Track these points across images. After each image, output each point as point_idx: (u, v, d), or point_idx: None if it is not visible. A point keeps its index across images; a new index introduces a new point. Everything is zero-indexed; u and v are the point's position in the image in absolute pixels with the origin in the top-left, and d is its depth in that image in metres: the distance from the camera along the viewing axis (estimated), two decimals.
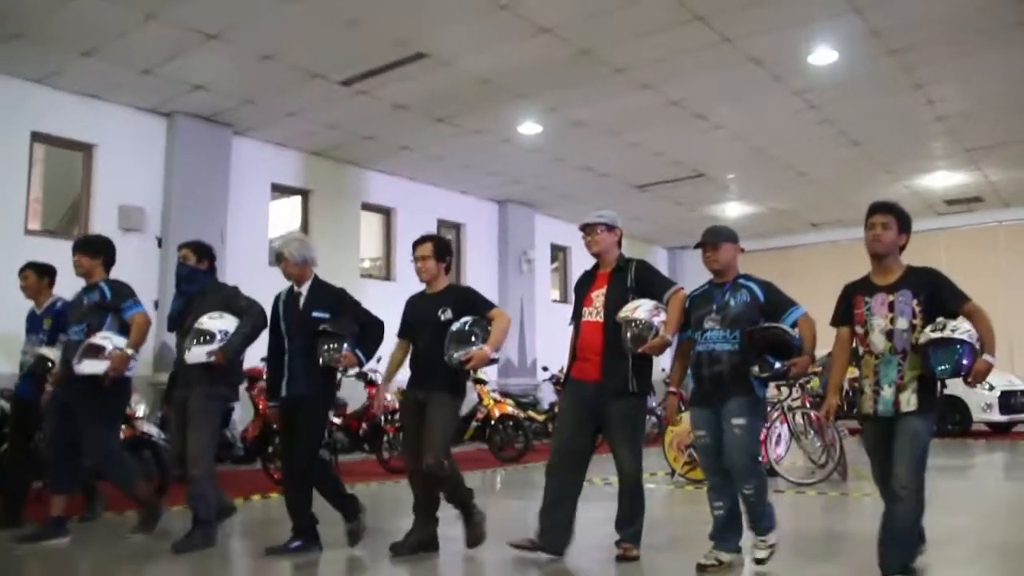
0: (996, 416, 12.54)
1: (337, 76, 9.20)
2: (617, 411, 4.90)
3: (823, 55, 8.79)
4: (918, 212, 15.22)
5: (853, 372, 13.03)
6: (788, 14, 7.85)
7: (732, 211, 15.84)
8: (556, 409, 10.68)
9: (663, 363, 17.31)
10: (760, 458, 4.80)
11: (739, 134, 11.39)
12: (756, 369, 4.56)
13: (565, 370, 5.24)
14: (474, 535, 5.15)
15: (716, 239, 4.81)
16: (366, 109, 10.17)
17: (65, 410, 5.66)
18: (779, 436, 8.60)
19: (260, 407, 8.68)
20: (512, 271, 14.91)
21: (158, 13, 7.68)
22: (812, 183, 13.90)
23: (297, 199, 12.24)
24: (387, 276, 13.21)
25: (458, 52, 8.61)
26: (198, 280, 5.62)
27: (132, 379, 5.86)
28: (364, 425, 9.45)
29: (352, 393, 10.17)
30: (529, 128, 11.03)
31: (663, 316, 4.75)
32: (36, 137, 9.55)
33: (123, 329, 5.71)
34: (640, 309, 4.75)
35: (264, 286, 5.41)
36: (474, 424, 10.81)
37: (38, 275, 6.40)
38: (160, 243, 10.32)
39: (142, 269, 9.84)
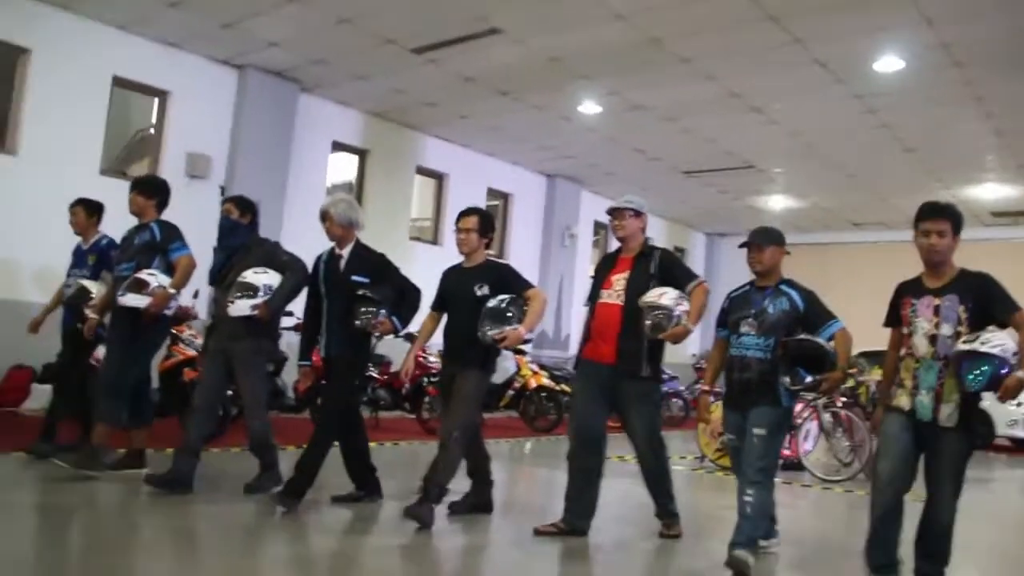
0: (1021, 432, 12.67)
1: (410, 44, 9.42)
2: (632, 392, 4.95)
3: (889, 63, 8.91)
4: (965, 222, 15.33)
5: (875, 375, 13.16)
6: (860, 21, 7.97)
7: (775, 204, 15.97)
8: None
9: (690, 347, 17.61)
10: (774, 471, 4.68)
11: (794, 130, 11.52)
12: (787, 380, 4.50)
13: (578, 350, 5.28)
14: (418, 514, 4.89)
15: (762, 240, 4.70)
16: (434, 77, 10.41)
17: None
18: (808, 432, 8.85)
19: (313, 359, 9.00)
20: (555, 244, 15.14)
21: None
22: (859, 183, 13.99)
23: (355, 158, 12.51)
24: (434, 240, 13.50)
25: (532, 31, 8.81)
26: (240, 234, 5.65)
27: (169, 320, 6.00)
28: (407, 384, 9.77)
29: (399, 352, 10.52)
30: (589, 108, 11.22)
31: (685, 306, 4.77)
32: (117, 81, 9.86)
33: (169, 269, 5.77)
34: (665, 296, 4.77)
35: (320, 241, 5.44)
36: (510, 393, 11.13)
37: (87, 212, 6.50)
38: (223, 192, 10.63)
39: (205, 216, 10.17)
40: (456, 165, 13.63)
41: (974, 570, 5.07)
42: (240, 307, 5.28)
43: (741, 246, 4.81)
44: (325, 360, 5.34)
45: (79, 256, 6.51)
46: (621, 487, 6.61)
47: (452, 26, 8.83)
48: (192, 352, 7.56)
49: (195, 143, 10.44)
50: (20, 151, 8.98)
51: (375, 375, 10.01)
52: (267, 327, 5.50)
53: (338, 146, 12.13)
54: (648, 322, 4.75)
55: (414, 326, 5.62)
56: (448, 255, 5.95)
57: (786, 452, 8.83)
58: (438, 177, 13.61)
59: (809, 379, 4.44)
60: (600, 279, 5.16)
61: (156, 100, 10.39)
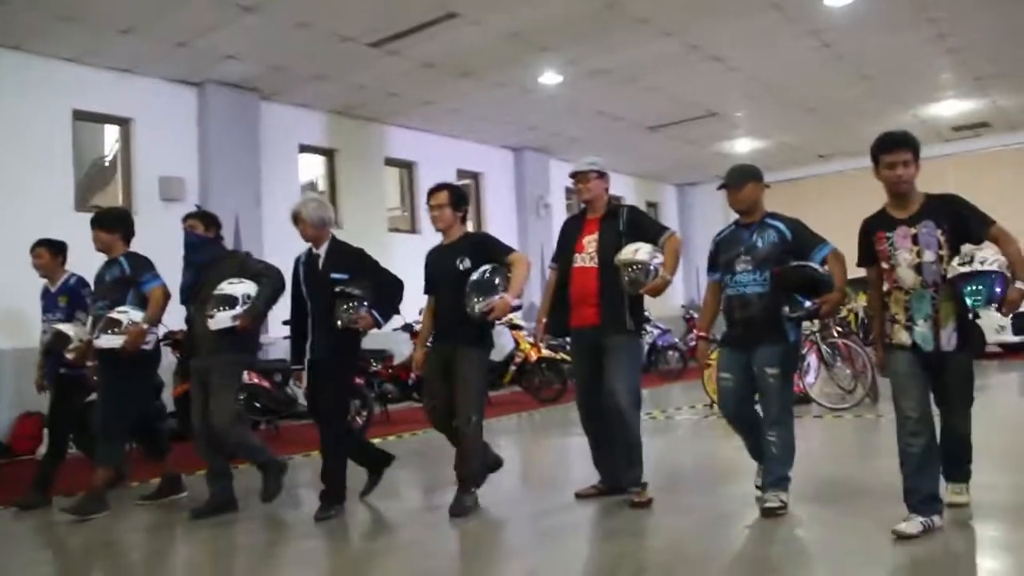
0: (1009, 337, 13.09)
1: (368, 38, 9.42)
2: (613, 344, 4.92)
3: None
4: (925, 139, 15.37)
5: (861, 301, 13.49)
6: None
7: (741, 147, 16.11)
8: None
9: (677, 298, 17.77)
10: (792, 406, 4.74)
11: (753, 74, 11.65)
12: (787, 310, 4.51)
13: (540, 315, 5.30)
14: (460, 508, 4.94)
15: (739, 180, 4.71)
16: (394, 68, 10.41)
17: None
18: (808, 365, 9.08)
19: None
20: (531, 216, 15.23)
21: None
22: (821, 117, 14.16)
23: (322, 159, 12.51)
24: (412, 229, 13.54)
25: (489, 10, 8.84)
26: (208, 249, 5.59)
27: (159, 351, 5.92)
28: (413, 375, 9.87)
29: (399, 345, 10.65)
30: (550, 78, 11.27)
31: (660, 259, 4.79)
32: (77, 115, 9.78)
33: (143, 303, 5.68)
34: (640, 252, 4.77)
35: (299, 246, 5.42)
36: (512, 368, 11.28)
37: (52, 252, 6.34)
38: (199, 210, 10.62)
39: (179, 240, 10.16)
40: (423, 152, 13.64)
41: (991, 471, 5.16)
42: (220, 319, 5.20)
43: (719, 188, 4.82)
44: (312, 363, 5.25)
45: (49, 299, 6.35)
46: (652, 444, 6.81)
47: (409, 16, 8.85)
48: None
49: (165, 166, 10.38)
50: None
51: (378, 370, 10.10)
52: (246, 339, 5.43)
53: (305, 148, 12.13)
54: (626, 279, 4.77)
55: (411, 316, 5.54)
56: (428, 242, 5.89)
57: (798, 389, 9.10)
58: (407, 166, 13.63)
59: (808, 304, 4.46)
60: (570, 241, 5.15)
61: (119, 128, 10.31)
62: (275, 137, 11.44)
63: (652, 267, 4.74)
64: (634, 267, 4.74)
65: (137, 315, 5.56)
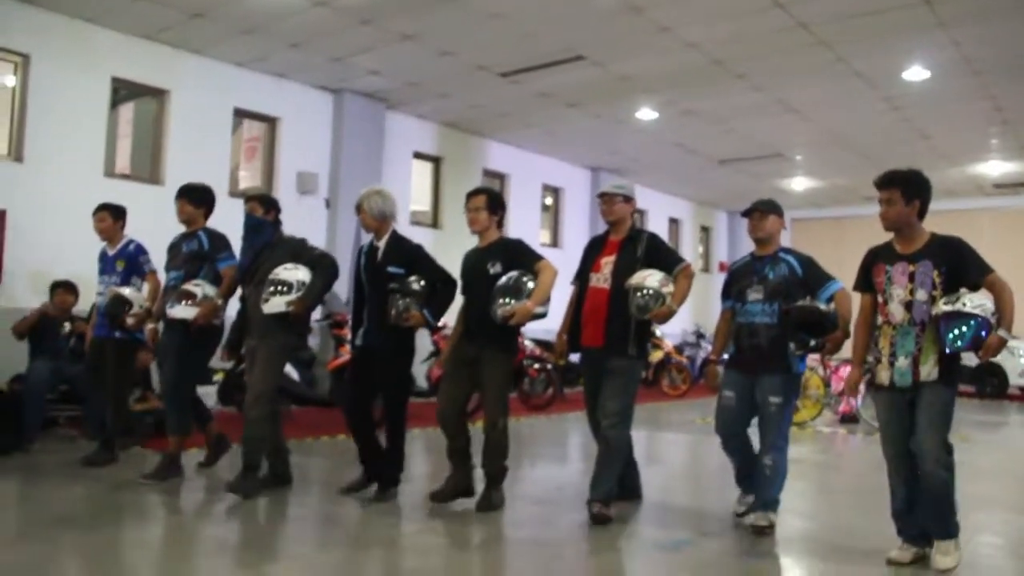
0: None
1: (500, 69, 10.74)
2: (613, 366, 4.95)
3: (916, 72, 10.34)
4: (967, 192, 16.95)
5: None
6: (895, 42, 9.36)
7: (797, 185, 17.43)
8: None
9: (681, 323, 18.65)
10: (788, 433, 4.85)
11: (823, 125, 12.96)
12: (792, 346, 4.69)
13: (560, 332, 5.30)
14: (489, 503, 5.12)
15: (765, 208, 4.94)
16: (512, 94, 11.73)
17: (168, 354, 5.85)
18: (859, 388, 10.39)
19: (441, 346, 10.24)
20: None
21: (373, 20, 9.22)
22: (874, 163, 15.30)
23: (429, 165, 13.88)
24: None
25: (613, 57, 10.16)
26: (266, 232, 5.60)
27: (223, 327, 5.94)
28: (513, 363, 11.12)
29: None
30: (646, 114, 12.61)
31: (671, 288, 4.83)
32: (237, 112, 11.17)
33: (216, 279, 5.82)
34: (651, 278, 4.82)
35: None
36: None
37: (114, 217, 6.48)
38: (328, 204, 11.98)
39: (314, 228, 11.57)
40: (515, 165, 15.02)
41: (983, 482, 6.12)
42: (275, 304, 5.23)
43: (744, 214, 5.03)
44: (361, 349, 5.34)
45: (107, 262, 6.50)
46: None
47: (542, 54, 10.13)
48: None
49: (303, 162, 11.75)
50: (167, 182, 10.23)
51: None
52: (297, 324, 5.47)
53: (418, 155, 13.47)
54: (634, 302, 4.81)
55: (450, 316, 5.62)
56: None
57: (843, 408, 10.46)
58: (500, 177, 14.97)
59: (813, 343, 4.63)
60: (589, 261, 5.21)
61: (267, 126, 11.68)
62: (394, 143, 12.77)
63: (661, 294, 4.79)
64: (643, 292, 4.79)
65: (211, 290, 5.71)
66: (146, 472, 5.79)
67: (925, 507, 4.05)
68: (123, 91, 10.32)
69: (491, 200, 5.30)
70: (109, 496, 5.37)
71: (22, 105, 9.18)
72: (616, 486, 5.08)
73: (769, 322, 4.76)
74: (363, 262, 5.40)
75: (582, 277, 5.22)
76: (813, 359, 10.55)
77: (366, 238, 5.58)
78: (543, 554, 4.45)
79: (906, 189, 4.06)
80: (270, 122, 11.64)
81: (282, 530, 5.01)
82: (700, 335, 16.99)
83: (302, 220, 11.00)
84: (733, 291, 5.02)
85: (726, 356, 5.13)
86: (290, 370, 8.97)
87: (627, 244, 5.08)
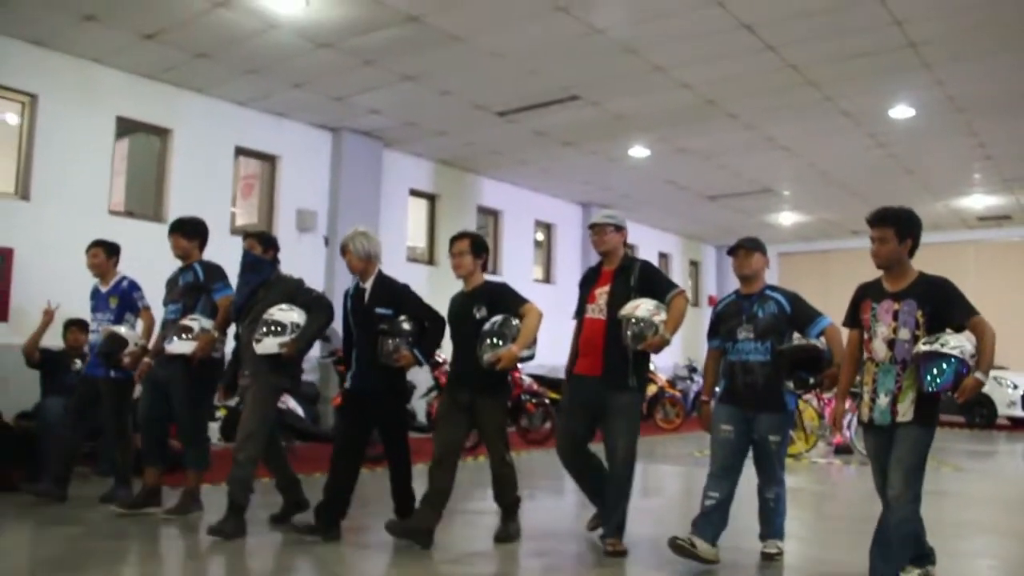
0: (1019, 412, 14.61)
1: (497, 108, 10.98)
2: (616, 404, 4.96)
3: (902, 111, 10.66)
4: (952, 225, 17.31)
5: None
6: (881, 82, 9.68)
7: (784, 219, 17.77)
8: None
9: (673, 356, 18.82)
10: (784, 464, 5.00)
11: (811, 161, 13.27)
12: (791, 385, 4.74)
13: (567, 365, 5.31)
14: (506, 534, 5.27)
15: (751, 246, 4.98)
16: (508, 132, 11.98)
17: (158, 387, 5.84)
18: (850, 421, 10.56)
19: (441, 382, 10.39)
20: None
21: (376, 61, 9.45)
22: (860, 198, 15.69)
23: (425, 203, 14.07)
24: (494, 271, 15.05)
25: (607, 97, 10.43)
26: (263, 270, 5.58)
27: (223, 360, 5.95)
28: (508, 403, 11.26)
29: None
30: (638, 152, 12.88)
31: (663, 316, 4.84)
32: (238, 151, 11.33)
33: (213, 310, 5.83)
34: (641, 308, 4.84)
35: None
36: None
37: (107, 253, 6.51)
38: (327, 242, 12.12)
39: (314, 265, 11.71)
40: (508, 202, 15.26)
41: (973, 509, 6.47)
42: (267, 345, 5.22)
43: (729, 252, 5.06)
44: (352, 391, 5.33)
45: (99, 299, 6.51)
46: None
47: (539, 94, 10.38)
48: None
49: (302, 200, 11.91)
50: (170, 219, 10.32)
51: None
52: (288, 364, 5.41)
53: (414, 192, 13.67)
54: (628, 333, 4.83)
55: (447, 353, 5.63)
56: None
57: (837, 440, 10.62)
58: (494, 214, 15.19)
59: (812, 380, 4.71)
60: (585, 293, 5.24)
61: (267, 164, 11.85)
62: (391, 180, 12.97)
63: (654, 323, 4.80)
64: (635, 322, 4.82)
65: (208, 323, 5.75)
66: (168, 507, 5.86)
67: (883, 548, 4.02)
68: (125, 129, 10.47)
69: (474, 244, 5.31)
70: (133, 529, 5.47)
71: (29, 144, 9.30)
72: (624, 518, 5.11)
73: (763, 360, 4.78)
74: (350, 305, 5.39)
75: (580, 313, 5.23)
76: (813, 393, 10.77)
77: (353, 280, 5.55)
78: None
79: (899, 228, 4.09)
80: (270, 160, 11.81)
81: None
82: (692, 368, 17.10)
83: (302, 257, 11.19)
84: (722, 330, 5.02)
85: (717, 391, 5.14)
86: (295, 406, 9.05)
87: (620, 274, 5.11)
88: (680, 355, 17.80)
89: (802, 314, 4.85)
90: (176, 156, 10.59)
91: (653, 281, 5.06)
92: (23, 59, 9.10)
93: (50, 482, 6.23)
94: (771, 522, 4.97)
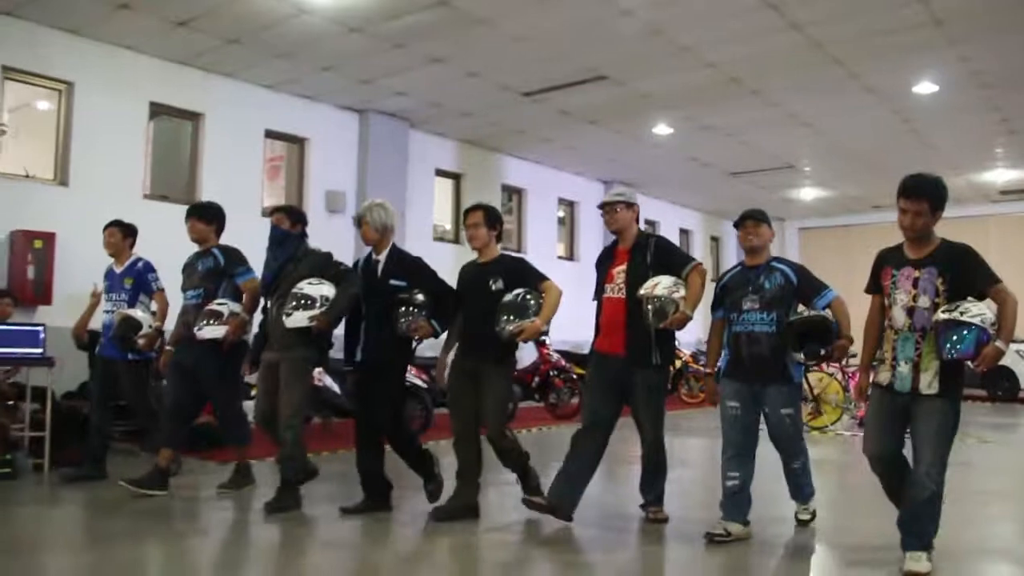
0: None
1: (523, 89, 11.11)
2: (641, 381, 4.98)
3: (926, 87, 10.72)
4: (973, 199, 17.31)
5: None
6: (905, 60, 9.75)
7: (806, 195, 17.82)
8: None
9: (695, 332, 19.02)
10: (803, 433, 4.97)
11: (834, 137, 13.33)
12: (801, 356, 4.68)
13: (591, 344, 5.29)
14: (529, 489, 5.27)
15: (761, 217, 4.90)
16: (533, 112, 12.11)
17: (185, 372, 5.86)
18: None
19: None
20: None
21: (405, 44, 9.59)
22: (882, 173, 15.72)
23: (451, 182, 14.25)
24: (517, 248, 15.24)
25: (634, 77, 10.52)
26: (291, 244, 5.53)
27: (247, 343, 5.95)
28: (536, 379, 11.52)
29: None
30: (662, 130, 12.99)
31: (682, 292, 4.81)
32: (268, 134, 11.51)
33: (236, 294, 5.87)
34: (659, 286, 4.81)
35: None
36: (536, 380, 11.66)
37: (123, 234, 6.52)
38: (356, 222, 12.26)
39: (343, 245, 11.88)
40: (532, 180, 15.40)
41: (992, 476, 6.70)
42: (297, 319, 5.20)
43: (736, 224, 4.97)
44: (359, 364, 5.32)
45: (114, 280, 6.51)
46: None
47: (566, 74, 10.50)
48: None
49: (331, 181, 12.10)
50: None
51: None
52: (319, 338, 5.38)
53: (439, 172, 13.84)
54: (649, 312, 4.82)
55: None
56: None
57: (861, 413, 10.77)
58: (518, 192, 15.35)
59: (823, 352, 4.68)
60: (602, 273, 5.21)
61: (296, 146, 12.03)
62: (417, 161, 13.13)
63: (673, 300, 4.78)
64: (655, 301, 4.80)
65: (236, 306, 5.77)
66: (221, 482, 6.10)
67: (909, 515, 4.03)
68: (159, 115, 10.67)
69: (489, 216, 5.28)
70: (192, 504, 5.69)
71: (67, 131, 9.53)
72: (663, 489, 5.25)
73: (769, 331, 4.72)
74: (361, 277, 5.37)
75: (599, 293, 5.23)
76: (831, 364, 10.92)
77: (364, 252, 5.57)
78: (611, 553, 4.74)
79: (933, 200, 3.99)
80: (299, 142, 11.99)
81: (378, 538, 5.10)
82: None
83: (331, 237, 11.30)
84: (727, 301, 4.95)
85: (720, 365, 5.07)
86: (330, 383, 9.26)
87: (636, 251, 5.08)
88: (703, 330, 17.74)
89: (808, 286, 4.80)
90: (208, 140, 10.78)
91: (669, 256, 5.04)
92: (59, 48, 9.30)
93: (90, 462, 6.35)
94: (800, 489, 5.05)
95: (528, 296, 5.00)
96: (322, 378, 9.07)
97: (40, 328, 7.13)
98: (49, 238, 9.06)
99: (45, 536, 5.11)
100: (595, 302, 5.28)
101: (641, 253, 5.04)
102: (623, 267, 5.07)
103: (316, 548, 4.84)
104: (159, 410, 6.37)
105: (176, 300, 6.35)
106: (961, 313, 3.84)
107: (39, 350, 6.90)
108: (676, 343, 12.93)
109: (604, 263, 5.25)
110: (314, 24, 8.98)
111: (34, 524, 5.42)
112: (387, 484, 5.43)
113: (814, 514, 5.11)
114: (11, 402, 6.96)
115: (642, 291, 4.85)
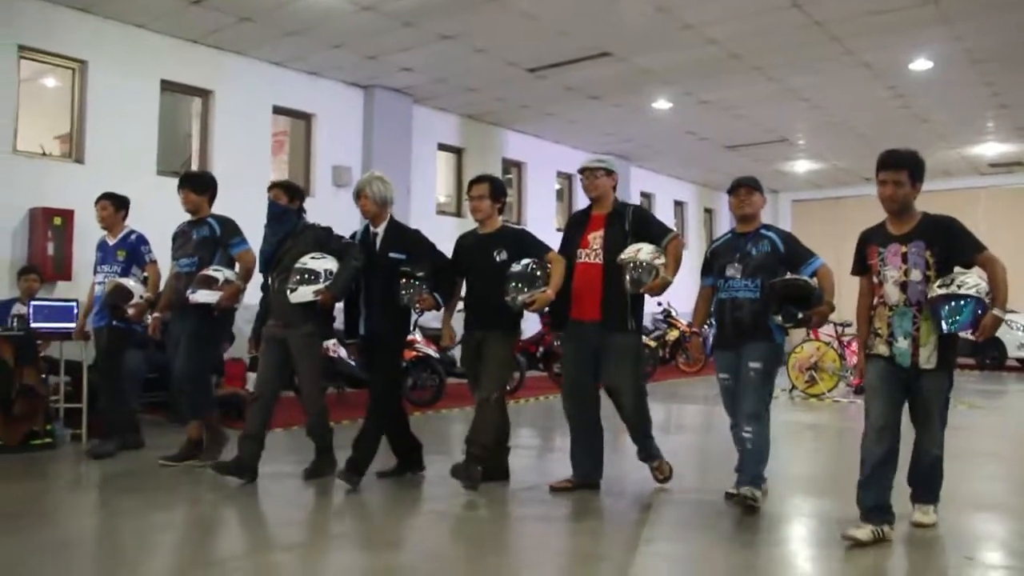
0: None
1: (529, 65, 11.28)
2: (618, 346, 5.04)
3: (921, 64, 10.99)
4: (963, 172, 17.63)
5: None
6: (901, 37, 10.00)
7: (799, 167, 18.11)
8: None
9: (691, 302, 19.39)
10: (769, 404, 4.78)
11: (828, 111, 13.59)
12: (779, 319, 4.67)
13: (560, 310, 5.24)
14: (464, 474, 5.11)
15: (753, 184, 4.93)
16: (537, 88, 12.29)
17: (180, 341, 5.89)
18: None
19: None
20: None
21: (414, 22, 9.76)
22: (874, 146, 15.93)
23: (453, 157, 14.44)
24: (517, 221, 15.47)
25: (637, 53, 10.73)
26: (290, 220, 5.52)
27: (234, 313, 6.04)
28: (540, 349, 11.82)
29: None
30: (662, 104, 13.21)
31: (663, 259, 4.88)
32: (275, 110, 11.68)
33: (230, 264, 5.89)
34: (642, 252, 4.87)
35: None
36: (541, 350, 12.11)
37: (116, 206, 6.60)
38: None
39: (350, 219, 12.06)
40: (531, 154, 15.60)
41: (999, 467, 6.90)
42: (302, 293, 5.22)
43: (729, 191, 5.00)
44: (364, 337, 5.41)
45: (107, 251, 6.58)
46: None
47: (571, 51, 10.68)
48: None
49: (337, 157, 12.28)
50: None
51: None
52: (323, 311, 5.39)
53: (442, 147, 14.02)
54: (628, 278, 4.86)
55: None
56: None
57: (856, 380, 11.15)
58: (518, 166, 15.56)
59: (800, 315, 4.64)
60: (575, 238, 5.22)
61: (302, 122, 12.19)
62: (420, 135, 13.30)
63: (654, 266, 4.84)
64: (636, 266, 4.84)
65: (231, 274, 5.78)
66: (165, 455, 6.07)
67: (917, 475, 4.31)
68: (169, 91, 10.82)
69: (494, 188, 5.35)
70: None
71: (81, 109, 9.68)
72: (655, 444, 5.34)
73: (752, 297, 4.75)
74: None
75: (565, 254, 5.20)
76: (828, 334, 11.27)
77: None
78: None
79: (912, 171, 4.05)
80: (305, 118, 12.15)
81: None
82: (710, 313, 17.53)
83: (338, 212, 11.52)
84: (715, 267, 5.00)
85: (710, 335, 5.20)
86: (344, 355, 9.51)
87: (613, 218, 5.11)
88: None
89: (795, 254, 4.81)
90: (217, 116, 10.94)
91: (648, 226, 5.10)
92: (73, 26, 9.43)
93: (116, 437, 6.42)
94: (747, 465, 4.73)
95: (537, 266, 5.06)
96: (337, 349, 9.32)
97: (74, 303, 7.38)
98: (68, 215, 9.24)
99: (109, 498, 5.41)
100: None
101: (620, 220, 5.09)
102: (599, 233, 5.10)
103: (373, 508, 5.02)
104: (126, 390, 6.60)
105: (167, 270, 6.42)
106: (959, 287, 3.90)
107: (74, 325, 7.11)
108: (674, 313, 13.36)
109: (577, 227, 5.27)
110: (326, 3, 9.15)
111: (85, 488, 5.71)
112: (416, 444, 5.64)
113: (756, 500, 4.67)
114: (44, 376, 7.19)
115: (624, 256, 4.91)
